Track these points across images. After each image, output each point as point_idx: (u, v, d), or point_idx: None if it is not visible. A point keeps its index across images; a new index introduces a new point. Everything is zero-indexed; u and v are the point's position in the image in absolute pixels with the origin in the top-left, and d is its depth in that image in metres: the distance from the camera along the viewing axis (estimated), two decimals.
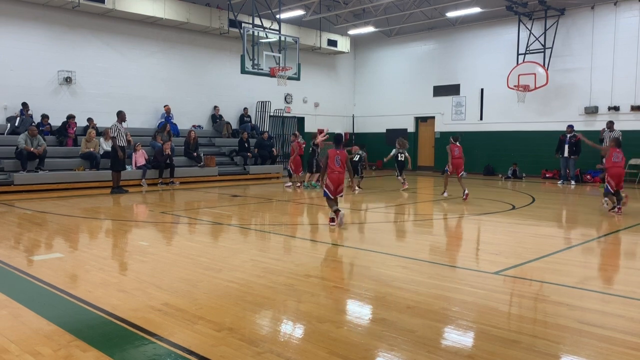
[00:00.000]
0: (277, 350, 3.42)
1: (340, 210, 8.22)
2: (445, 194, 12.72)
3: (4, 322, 3.92)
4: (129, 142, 15.98)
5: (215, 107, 19.82)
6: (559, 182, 17.12)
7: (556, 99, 18.76)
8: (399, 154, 14.70)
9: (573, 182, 16.84)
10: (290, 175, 15.59)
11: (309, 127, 23.29)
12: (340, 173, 8.29)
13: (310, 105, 23.65)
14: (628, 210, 10.51)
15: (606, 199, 10.33)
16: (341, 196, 8.54)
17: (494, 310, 4.29)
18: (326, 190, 8.34)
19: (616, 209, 9.89)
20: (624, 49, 17.25)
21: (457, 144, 12.48)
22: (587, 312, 4.29)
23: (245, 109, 20.64)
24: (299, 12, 19.69)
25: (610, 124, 16.00)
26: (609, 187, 9.85)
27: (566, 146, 16.82)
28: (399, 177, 14.58)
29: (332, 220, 8.31)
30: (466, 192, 11.87)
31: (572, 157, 16.80)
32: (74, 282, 5.18)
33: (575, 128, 17.11)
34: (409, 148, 17.02)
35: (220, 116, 19.88)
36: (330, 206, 8.39)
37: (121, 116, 13.15)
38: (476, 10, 19.15)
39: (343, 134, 9.03)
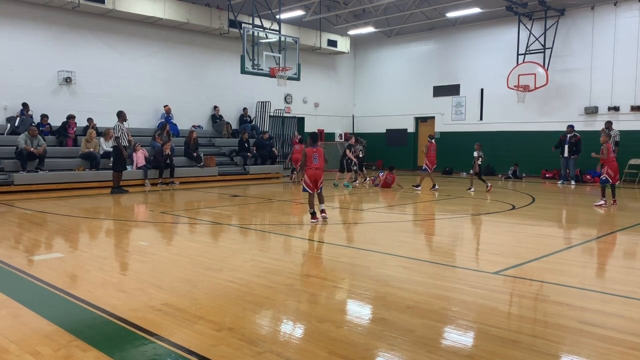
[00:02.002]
0: (277, 350, 3.42)
1: (317, 217, 8.70)
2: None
3: (4, 322, 3.92)
4: (129, 142, 16.02)
5: (215, 107, 19.82)
6: (559, 182, 17.12)
7: (556, 99, 18.76)
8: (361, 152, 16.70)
9: (573, 182, 16.84)
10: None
11: (309, 127, 23.30)
12: (318, 169, 8.77)
13: (310, 105, 23.65)
14: (628, 210, 10.54)
15: (602, 202, 10.91)
16: (319, 191, 8.87)
17: (494, 310, 4.29)
18: (305, 187, 8.84)
19: (612, 201, 10.96)
20: (624, 49, 17.25)
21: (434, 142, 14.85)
22: (587, 312, 4.29)
23: (245, 109, 20.64)
24: (299, 13, 19.69)
25: (608, 124, 16.01)
26: (609, 178, 10.74)
27: (566, 146, 16.84)
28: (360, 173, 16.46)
29: (313, 215, 8.72)
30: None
31: (572, 157, 16.81)
32: (74, 282, 5.18)
33: (575, 128, 17.13)
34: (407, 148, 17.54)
35: (220, 116, 19.88)
36: (309, 203, 8.85)
37: (122, 116, 13.14)
38: (476, 10, 19.15)
39: (317, 132, 9.79)
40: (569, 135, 16.86)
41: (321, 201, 8.85)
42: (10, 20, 15.25)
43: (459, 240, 7.86)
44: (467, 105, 21.44)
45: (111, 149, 13.70)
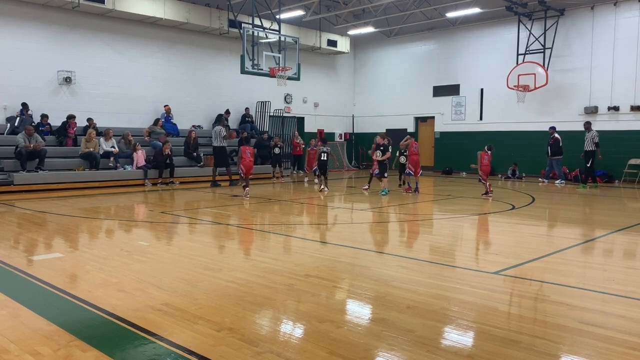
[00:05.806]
0: (277, 350, 3.42)
1: (248, 187, 12.43)
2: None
3: (4, 322, 3.91)
4: (129, 142, 16.07)
5: (227, 110, 19.61)
6: (557, 181, 17.08)
7: (556, 99, 18.76)
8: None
9: (545, 181, 16.94)
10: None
11: (309, 127, 23.33)
12: (251, 161, 12.49)
13: (310, 105, 23.65)
14: (628, 210, 10.53)
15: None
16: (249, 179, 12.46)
17: (494, 310, 4.29)
18: (241, 173, 12.44)
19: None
20: (623, 49, 17.24)
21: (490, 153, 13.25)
22: (587, 312, 4.29)
23: (247, 109, 20.64)
24: (299, 13, 19.69)
25: (587, 125, 16.02)
26: (411, 171, 13.68)
27: (548, 147, 16.92)
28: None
29: (245, 187, 12.42)
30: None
31: (552, 157, 16.83)
32: (74, 282, 5.19)
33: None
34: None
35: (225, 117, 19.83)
36: (241, 182, 12.76)
37: (222, 121, 15.35)
38: (476, 10, 19.15)
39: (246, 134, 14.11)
40: (549, 137, 16.90)
41: (248, 184, 12.54)
42: (10, 20, 15.24)
43: (459, 240, 7.86)
44: (467, 105, 21.44)
45: (218, 149, 15.03)
